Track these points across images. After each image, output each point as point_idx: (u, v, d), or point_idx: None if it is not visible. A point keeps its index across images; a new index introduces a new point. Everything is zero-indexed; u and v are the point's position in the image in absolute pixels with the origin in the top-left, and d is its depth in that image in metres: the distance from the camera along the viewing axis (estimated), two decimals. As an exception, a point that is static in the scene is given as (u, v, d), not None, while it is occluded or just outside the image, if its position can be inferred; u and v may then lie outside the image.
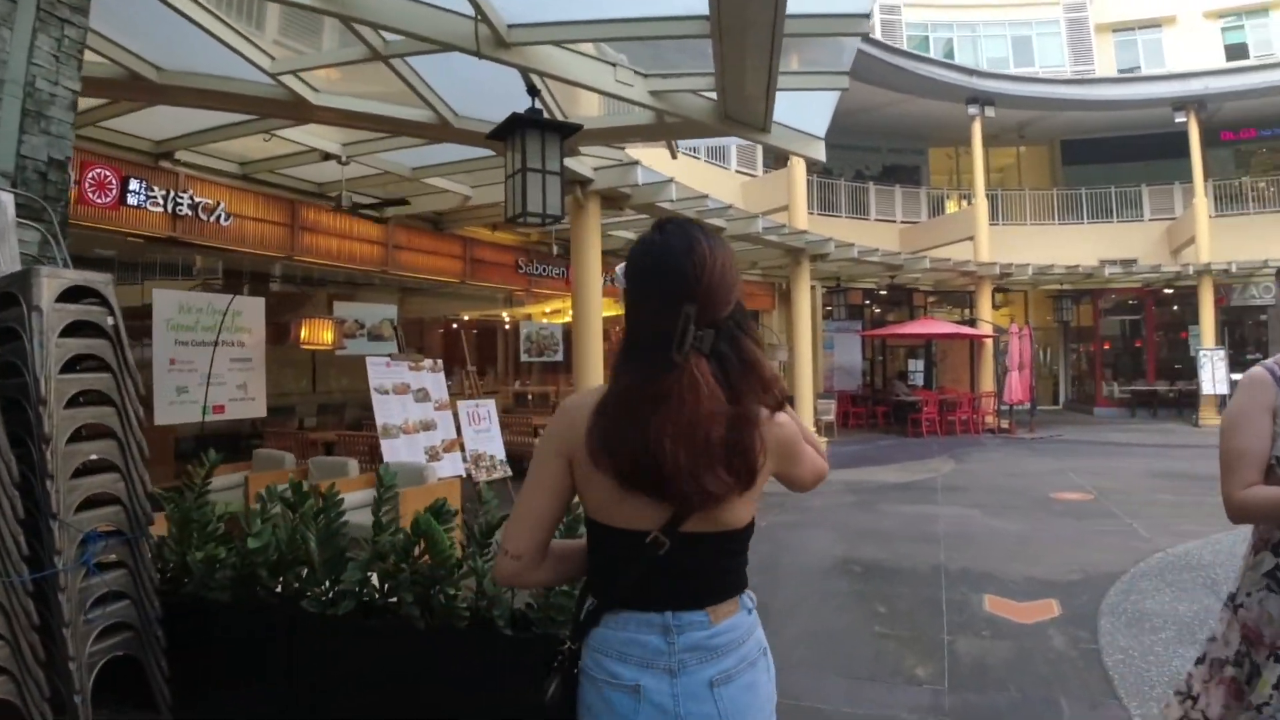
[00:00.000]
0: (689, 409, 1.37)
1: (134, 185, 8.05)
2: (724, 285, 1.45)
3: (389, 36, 5.19)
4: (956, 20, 26.17)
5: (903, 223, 21.26)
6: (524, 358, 13.36)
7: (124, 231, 8.08)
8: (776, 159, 17.83)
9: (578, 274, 9.28)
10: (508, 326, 14.99)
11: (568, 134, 6.03)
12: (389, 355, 7.68)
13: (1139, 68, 22.85)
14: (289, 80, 6.21)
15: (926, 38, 24.72)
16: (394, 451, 7.21)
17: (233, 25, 5.39)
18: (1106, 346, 22.28)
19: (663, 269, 1.44)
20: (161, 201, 8.28)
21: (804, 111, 7.00)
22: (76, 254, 3.48)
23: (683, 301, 1.40)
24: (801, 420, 1.62)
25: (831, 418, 15.97)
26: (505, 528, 1.55)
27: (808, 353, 14.24)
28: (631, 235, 12.78)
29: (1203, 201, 18.54)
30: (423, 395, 7.68)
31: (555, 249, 11.99)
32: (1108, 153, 22.73)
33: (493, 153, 7.88)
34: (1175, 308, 21.08)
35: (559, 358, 13.83)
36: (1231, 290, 19.24)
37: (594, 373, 9.05)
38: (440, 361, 8.09)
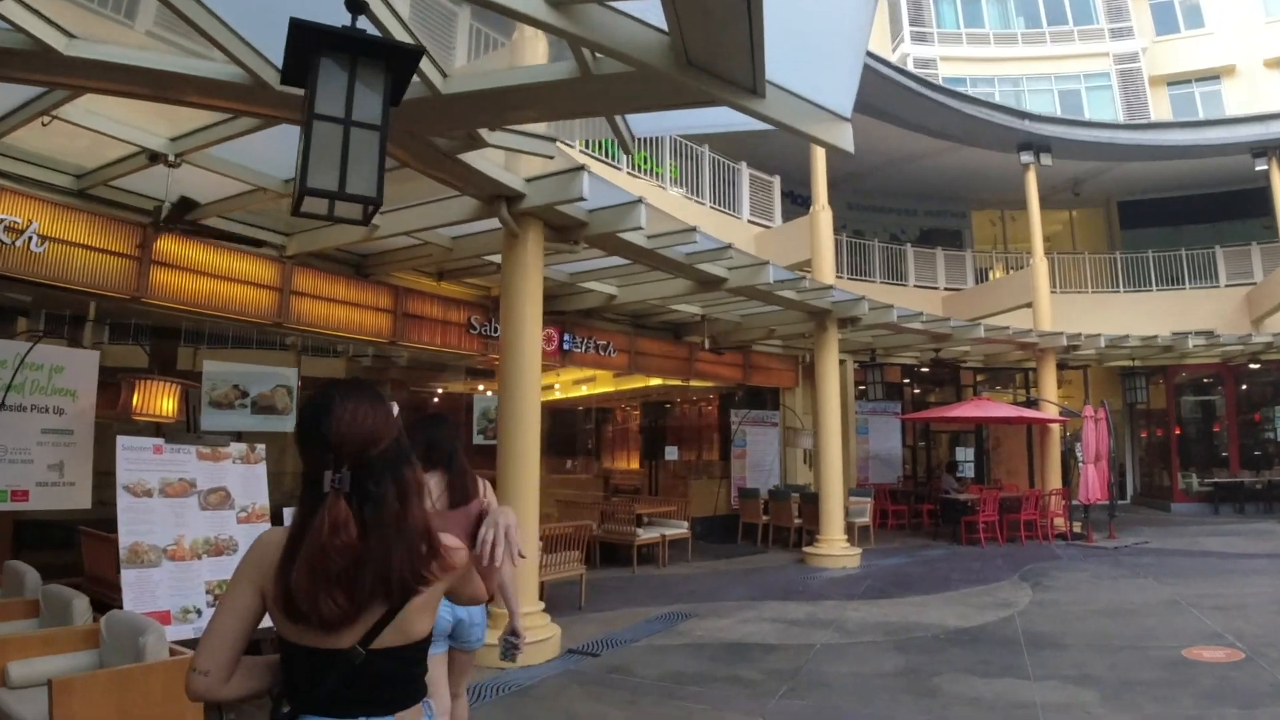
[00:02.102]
0: (315, 540, 1.62)
1: None
2: (356, 432, 1.71)
3: None
4: (998, 75, 24.10)
5: (946, 289, 18.51)
6: (478, 439, 10.66)
7: None
8: (792, 200, 15.37)
9: (508, 331, 6.71)
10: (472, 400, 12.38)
11: (399, 66, 3.47)
12: (166, 436, 5.03)
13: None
14: (26, 19, 3.97)
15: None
16: (144, 590, 4.53)
17: None
18: (1178, 431, 19.15)
19: (305, 425, 1.75)
20: None
21: (816, 79, 4.44)
22: None
23: (324, 450, 1.70)
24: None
25: (866, 520, 13.00)
26: (199, 645, 1.68)
27: (836, 439, 11.45)
28: (609, 288, 10.17)
29: (1290, 261, 15.81)
30: (219, 499, 5.01)
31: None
32: (1170, 214, 20.29)
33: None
34: (1253, 386, 18.42)
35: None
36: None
37: (527, 462, 6.44)
38: (262, 448, 5.41)
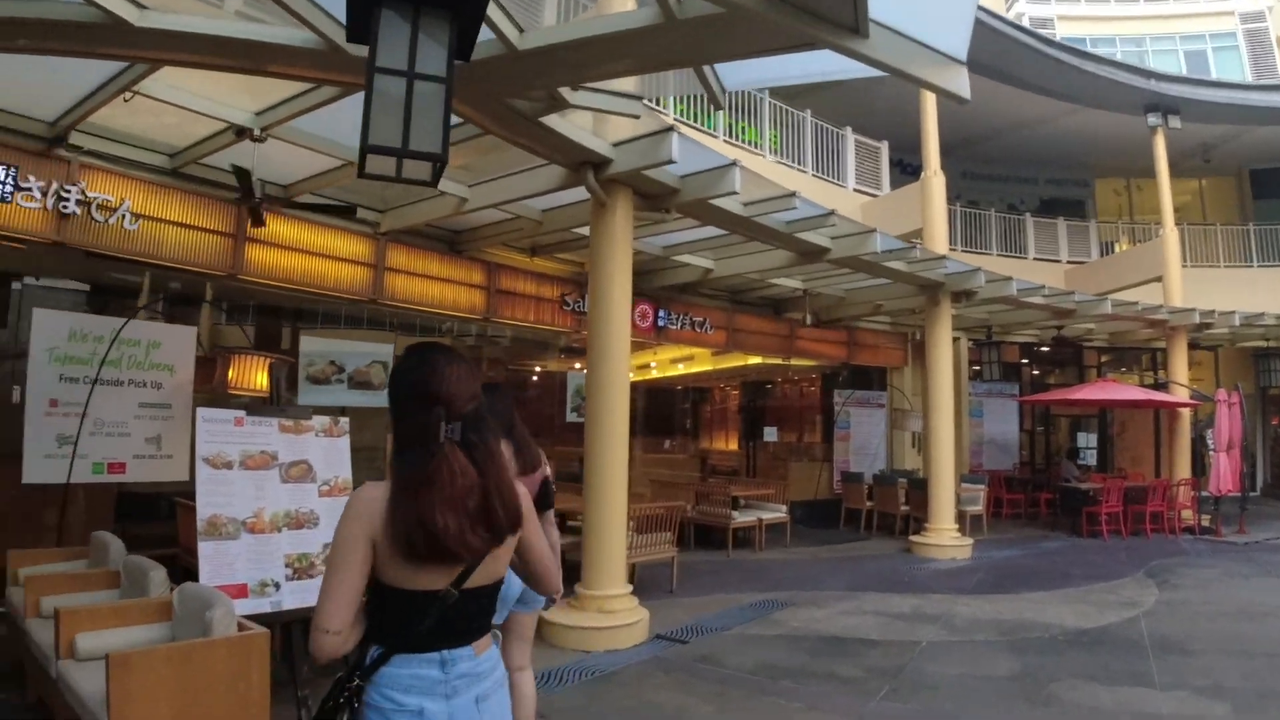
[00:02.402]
0: (450, 485, 1.80)
1: None
2: (462, 390, 1.89)
3: None
4: (1120, 34, 22.41)
5: (1069, 263, 17.33)
6: (571, 417, 10.51)
7: None
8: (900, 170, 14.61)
9: (596, 304, 6.44)
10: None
11: (465, 15, 3.24)
12: (248, 408, 4.95)
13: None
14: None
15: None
16: (222, 563, 4.47)
17: None
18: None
19: (414, 384, 1.89)
20: (40, 195, 6.17)
21: (926, 18, 4.00)
22: None
23: (433, 405, 1.85)
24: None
25: (979, 508, 12.28)
26: (320, 607, 1.76)
27: (948, 421, 10.79)
28: (705, 262, 9.81)
29: None
30: (300, 472, 4.91)
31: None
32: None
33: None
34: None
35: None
36: None
37: (615, 440, 6.19)
38: (345, 421, 5.30)
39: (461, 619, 1.88)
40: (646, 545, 7.55)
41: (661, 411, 16.60)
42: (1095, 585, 8.74)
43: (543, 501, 2.49)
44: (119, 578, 4.66)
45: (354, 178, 6.96)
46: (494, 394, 3.20)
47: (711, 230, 8.10)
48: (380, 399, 8.61)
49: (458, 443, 1.85)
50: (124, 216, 6.60)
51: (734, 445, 15.72)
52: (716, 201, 6.64)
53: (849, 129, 13.28)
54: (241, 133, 6.05)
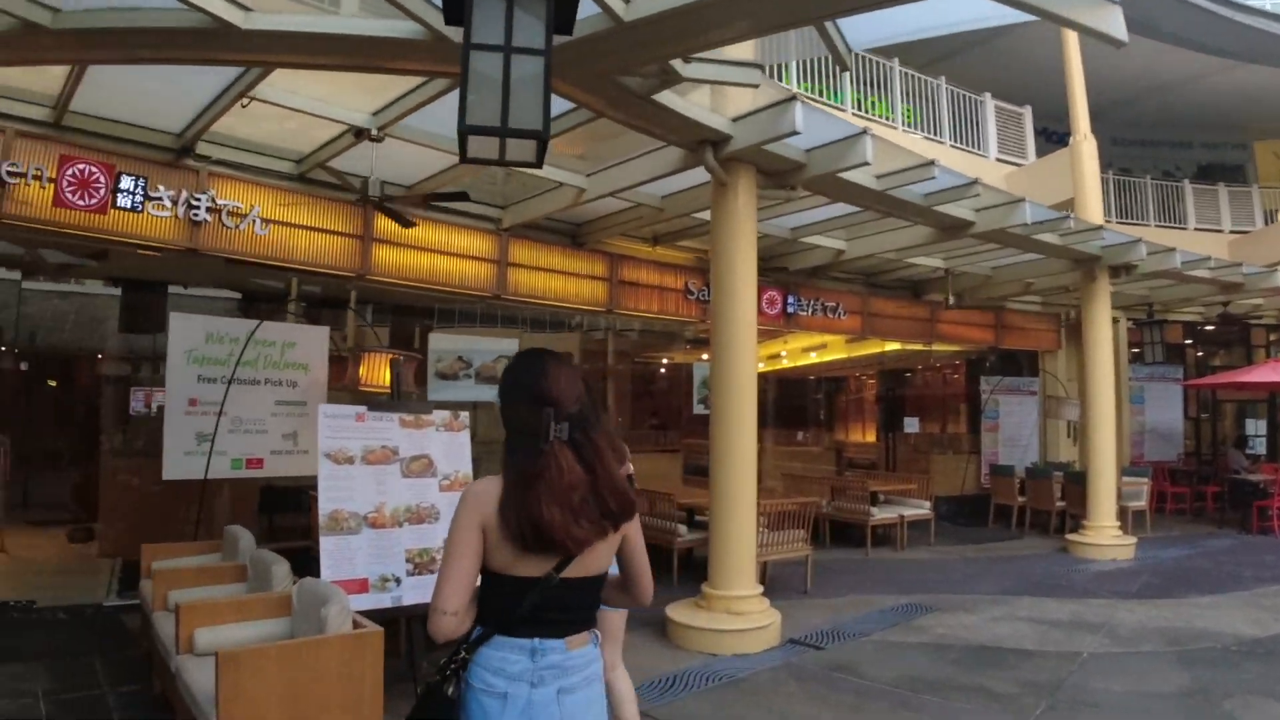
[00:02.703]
0: (558, 480, 1.89)
1: (125, 184, 6.26)
2: (569, 391, 1.97)
3: None
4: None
5: (1232, 233, 15.65)
6: (698, 409, 10.25)
7: (111, 239, 6.33)
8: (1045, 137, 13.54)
9: (720, 290, 6.15)
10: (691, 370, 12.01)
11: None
12: (369, 404, 4.90)
13: None
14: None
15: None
16: (343, 558, 4.43)
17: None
18: None
19: (525, 386, 1.98)
20: (170, 204, 6.40)
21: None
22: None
23: (543, 406, 1.93)
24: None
25: (1143, 504, 11.24)
26: (438, 590, 1.88)
27: (1109, 409, 9.90)
28: (836, 242, 9.35)
29: None
30: (421, 467, 4.84)
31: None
32: None
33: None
34: None
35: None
36: None
37: (742, 433, 5.90)
38: (465, 415, 5.21)
39: (558, 609, 1.95)
40: (778, 543, 7.19)
41: (794, 403, 16.08)
42: (1270, 588, 7.84)
43: None
44: (247, 571, 4.72)
45: (474, 174, 7.04)
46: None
47: (842, 208, 7.65)
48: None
49: (565, 441, 1.93)
50: (254, 222, 6.79)
51: (872, 437, 15.07)
52: (846, 175, 6.21)
53: (988, 95, 12.38)
54: (360, 134, 6.10)
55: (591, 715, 2.01)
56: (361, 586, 4.46)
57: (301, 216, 7.06)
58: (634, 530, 2.10)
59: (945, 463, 12.90)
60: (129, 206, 6.20)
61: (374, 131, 6.03)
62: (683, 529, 7.53)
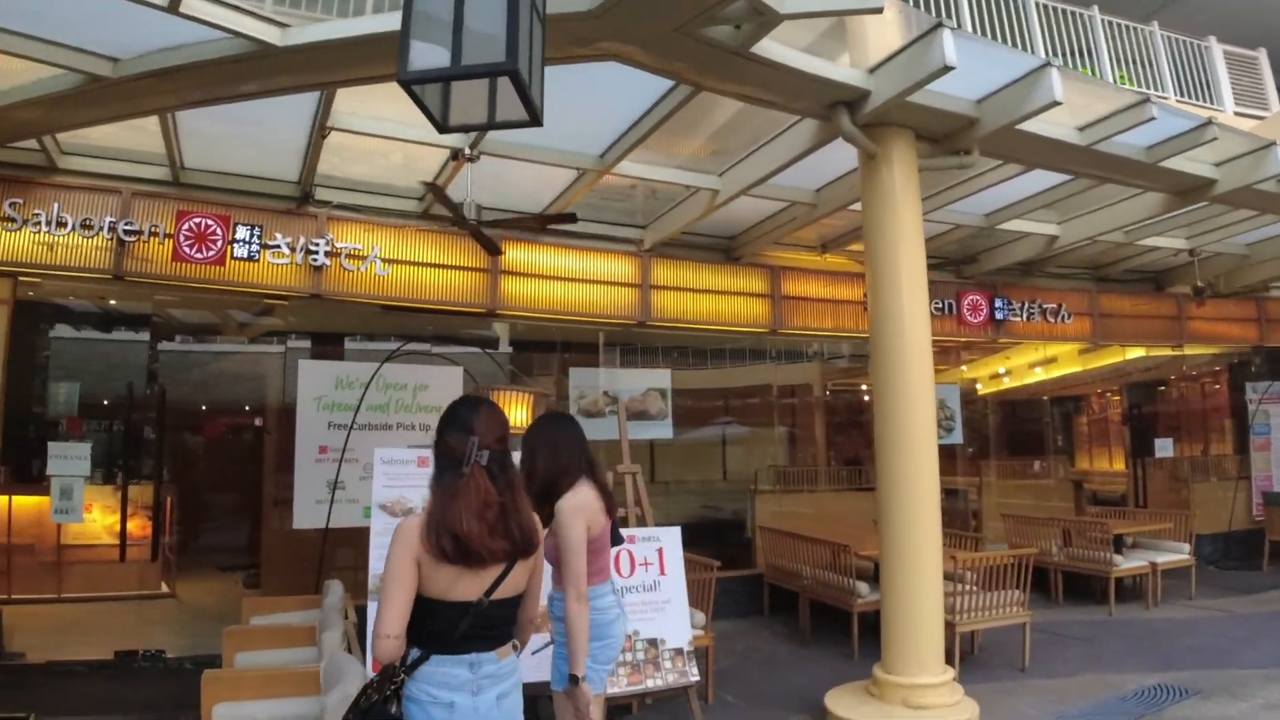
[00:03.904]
0: (476, 498, 2.19)
1: (240, 234, 6.21)
2: (492, 430, 2.32)
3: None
4: None
5: None
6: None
7: (232, 290, 6.38)
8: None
9: (876, 287, 4.95)
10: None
11: None
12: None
13: None
14: (232, 19, 3.78)
15: None
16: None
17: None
18: None
19: (458, 418, 2.34)
20: (288, 251, 6.29)
21: None
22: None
23: (469, 435, 2.26)
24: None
25: None
26: (380, 617, 2.10)
27: None
28: (1046, 227, 7.75)
29: None
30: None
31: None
32: None
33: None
34: None
35: (954, 437, 9.09)
36: None
37: (919, 468, 4.67)
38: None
39: (489, 626, 2.23)
40: (986, 606, 5.66)
41: (1023, 429, 13.93)
42: None
43: (614, 538, 3.15)
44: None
45: (593, 187, 6.30)
46: (559, 425, 3.22)
47: (1043, 179, 6.19)
48: (656, 429, 7.78)
49: (485, 467, 2.24)
50: (375, 263, 6.51)
51: (1119, 464, 12.68)
52: (1034, 127, 4.83)
53: (1212, 39, 10.07)
54: (456, 155, 5.57)
55: (521, 715, 2.34)
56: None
57: (423, 254, 6.72)
58: (538, 567, 2.43)
59: (1207, 492, 10.38)
60: (245, 256, 6.20)
61: (467, 150, 5.45)
62: (863, 587, 6.09)
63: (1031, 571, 5.87)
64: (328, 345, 8.43)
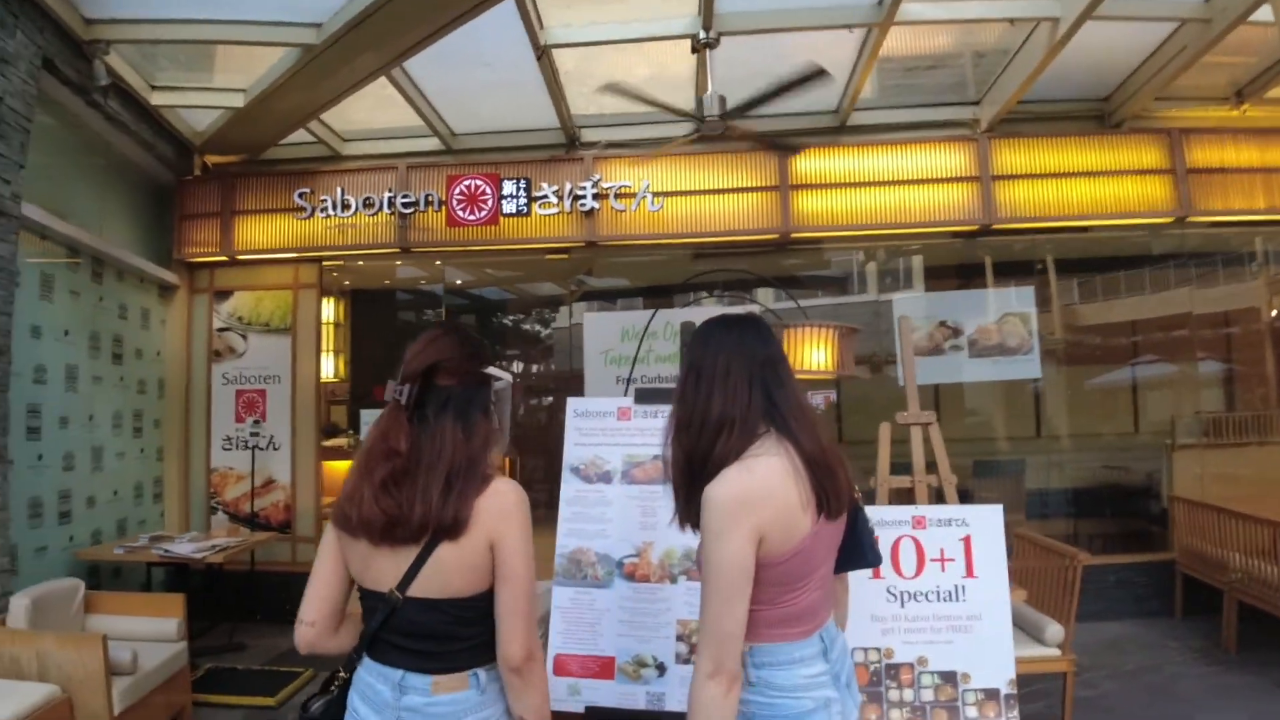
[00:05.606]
0: (367, 446, 1.61)
1: (508, 189, 6.05)
2: (423, 357, 1.62)
3: None
4: None
5: None
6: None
7: (508, 247, 6.22)
8: None
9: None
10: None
11: None
12: (639, 393, 3.18)
13: None
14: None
15: None
16: (584, 621, 2.87)
17: None
18: None
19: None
20: (555, 199, 6.01)
21: None
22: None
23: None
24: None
25: None
26: (303, 597, 1.64)
27: None
28: None
29: None
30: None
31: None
32: None
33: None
34: None
35: None
36: None
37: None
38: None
39: (413, 634, 1.55)
40: None
41: None
42: None
43: (849, 555, 1.72)
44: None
45: (883, 49, 4.99)
46: (729, 332, 1.62)
47: None
48: (1020, 365, 6.09)
49: (403, 407, 1.60)
50: (645, 199, 5.98)
51: None
52: None
53: None
54: (695, 47, 4.69)
55: None
56: (604, 669, 2.82)
57: (694, 180, 5.90)
58: (505, 554, 1.53)
59: None
60: (514, 211, 6.07)
61: (702, 35, 4.55)
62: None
63: None
64: (658, 299, 7.95)
